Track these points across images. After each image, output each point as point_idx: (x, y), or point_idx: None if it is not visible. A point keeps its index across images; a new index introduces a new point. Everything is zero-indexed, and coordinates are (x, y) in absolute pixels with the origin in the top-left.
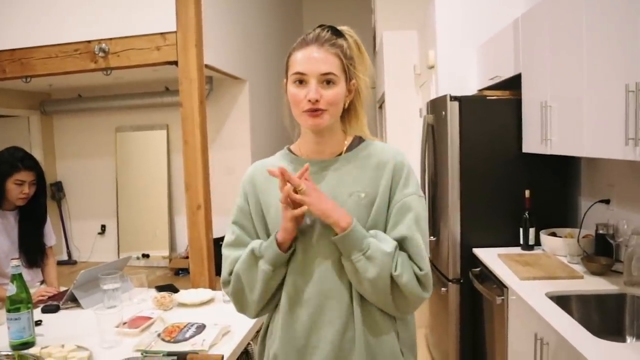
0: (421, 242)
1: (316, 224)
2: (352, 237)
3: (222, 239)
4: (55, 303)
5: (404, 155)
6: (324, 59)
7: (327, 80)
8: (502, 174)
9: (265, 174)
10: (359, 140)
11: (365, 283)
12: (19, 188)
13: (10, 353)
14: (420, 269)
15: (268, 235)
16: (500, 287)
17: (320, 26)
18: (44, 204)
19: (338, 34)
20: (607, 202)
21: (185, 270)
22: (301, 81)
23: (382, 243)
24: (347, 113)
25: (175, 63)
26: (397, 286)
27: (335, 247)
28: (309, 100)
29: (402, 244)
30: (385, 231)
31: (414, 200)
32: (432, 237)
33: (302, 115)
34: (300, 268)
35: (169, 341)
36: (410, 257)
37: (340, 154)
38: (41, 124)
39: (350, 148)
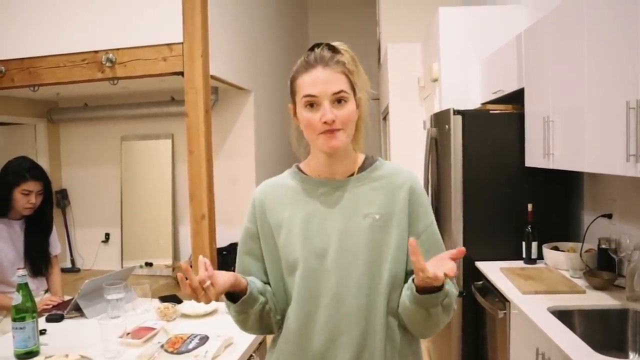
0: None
1: (329, 251)
2: (441, 293)
3: (225, 248)
4: (59, 312)
5: (416, 176)
6: (333, 78)
7: (338, 100)
8: (504, 187)
9: (274, 194)
10: (370, 160)
11: (427, 323)
12: (25, 198)
13: None
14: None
15: (274, 258)
16: (503, 301)
17: (316, 45)
18: (50, 213)
19: (335, 50)
20: (609, 216)
21: None
22: (312, 104)
23: (450, 285)
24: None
25: (182, 73)
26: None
27: (354, 273)
28: (325, 122)
29: None
30: (409, 257)
31: (435, 230)
32: None
33: (318, 138)
34: (311, 295)
35: (172, 352)
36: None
37: (352, 174)
38: (48, 132)
39: (362, 168)
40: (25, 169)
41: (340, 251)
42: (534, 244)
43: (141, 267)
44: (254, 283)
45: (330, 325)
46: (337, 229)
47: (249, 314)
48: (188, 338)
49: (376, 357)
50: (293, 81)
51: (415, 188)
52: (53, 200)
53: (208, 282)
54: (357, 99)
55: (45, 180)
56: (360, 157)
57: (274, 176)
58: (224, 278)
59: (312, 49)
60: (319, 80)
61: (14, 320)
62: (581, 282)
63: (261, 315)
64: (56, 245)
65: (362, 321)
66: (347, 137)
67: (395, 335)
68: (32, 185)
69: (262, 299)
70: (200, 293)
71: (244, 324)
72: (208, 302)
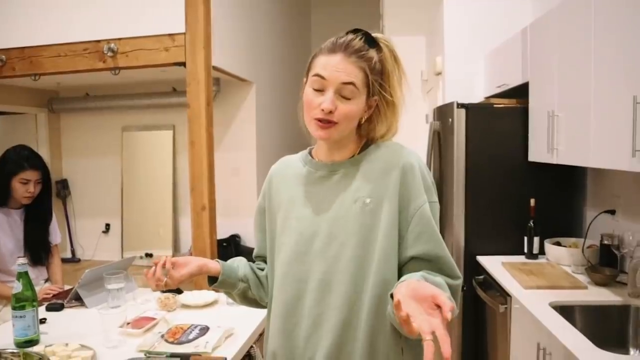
0: (449, 253)
1: (319, 235)
2: None
3: (226, 240)
4: (59, 301)
5: (415, 154)
6: (349, 70)
7: (345, 92)
8: (507, 182)
9: (283, 173)
10: (370, 142)
11: None
12: (24, 187)
13: (15, 351)
14: (456, 278)
15: (272, 236)
16: (504, 295)
17: (354, 31)
18: (49, 202)
19: (371, 43)
20: (612, 212)
21: None
22: (320, 87)
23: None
24: (368, 122)
25: (183, 64)
26: None
27: (342, 260)
28: (322, 110)
29: (432, 261)
30: (402, 239)
31: (427, 212)
32: None
33: (312, 122)
34: (299, 278)
35: (172, 342)
36: (443, 272)
37: (351, 157)
38: (48, 122)
39: (361, 150)
40: (24, 157)
41: (329, 237)
42: (536, 239)
43: (141, 257)
44: (236, 270)
45: (316, 310)
46: (329, 214)
47: (230, 294)
48: (188, 328)
49: (358, 348)
50: (314, 57)
51: (408, 168)
52: (52, 189)
53: (165, 279)
54: (374, 100)
55: (43, 169)
56: (363, 141)
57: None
58: (183, 271)
59: (348, 32)
60: (335, 67)
61: (14, 308)
62: (583, 278)
63: (245, 297)
64: (56, 234)
65: (346, 310)
66: (342, 132)
67: (384, 326)
68: (31, 174)
69: (241, 285)
70: (160, 284)
71: (232, 299)
72: (175, 285)
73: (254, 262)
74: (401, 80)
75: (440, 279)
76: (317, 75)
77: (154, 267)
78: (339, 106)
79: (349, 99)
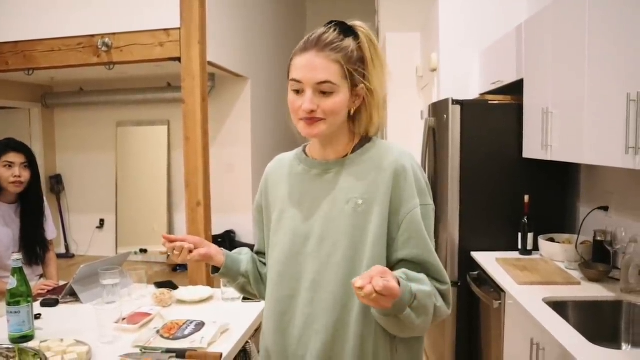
0: (437, 259)
1: (312, 235)
2: (402, 300)
3: (220, 236)
4: (54, 297)
5: (409, 155)
6: (322, 66)
7: (323, 90)
8: (502, 178)
9: (278, 171)
10: (364, 141)
11: (403, 327)
12: (9, 171)
13: (10, 346)
14: (444, 284)
15: (268, 233)
16: (498, 291)
17: (328, 23)
18: (39, 190)
19: (347, 32)
20: (605, 209)
21: (183, 267)
22: (298, 89)
23: (422, 285)
24: (358, 115)
25: (178, 59)
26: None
27: (333, 261)
28: (304, 111)
29: (420, 265)
30: (392, 241)
31: (417, 216)
32: None
33: (299, 123)
34: (293, 277)
35: (167, 338)
36: (431, 276)
37: (345, 156)
38: (42, 117)
39: (355, 149)
40: (4, 143)
41: (322, 237)
42: (530, 235)
43: (135, 253)
44: (239, 264)
45: (308, 309)
46: (322, 214)
47: (231, 283)
48: (184, 324)
49: (348, 349)
50: (291, 60)
51: (400, 171)
52: (40, 176)
53: (189, 245)
54: (360, 89)
55: (27, 152)
56: (356, 138)
57: (271, 161)
58: (200, 252)
59: (323, 26)
60: (308, 67)
61: (9, 304)
62: (576, 274)
63: (244, 289)
64: (52, 229)
65: (337, 310)
66: (330, 127)
67: (374, 327)
68: (13, 157)
69: (241, 279)
70: (177, 250)
71: (232, 287)
72: (181, 261)
73: None
74: (382, 67)
75: (423, 275)
76: (293, 79)
77: (184, 245)
78: (320, 103)
79: (328, 95)
